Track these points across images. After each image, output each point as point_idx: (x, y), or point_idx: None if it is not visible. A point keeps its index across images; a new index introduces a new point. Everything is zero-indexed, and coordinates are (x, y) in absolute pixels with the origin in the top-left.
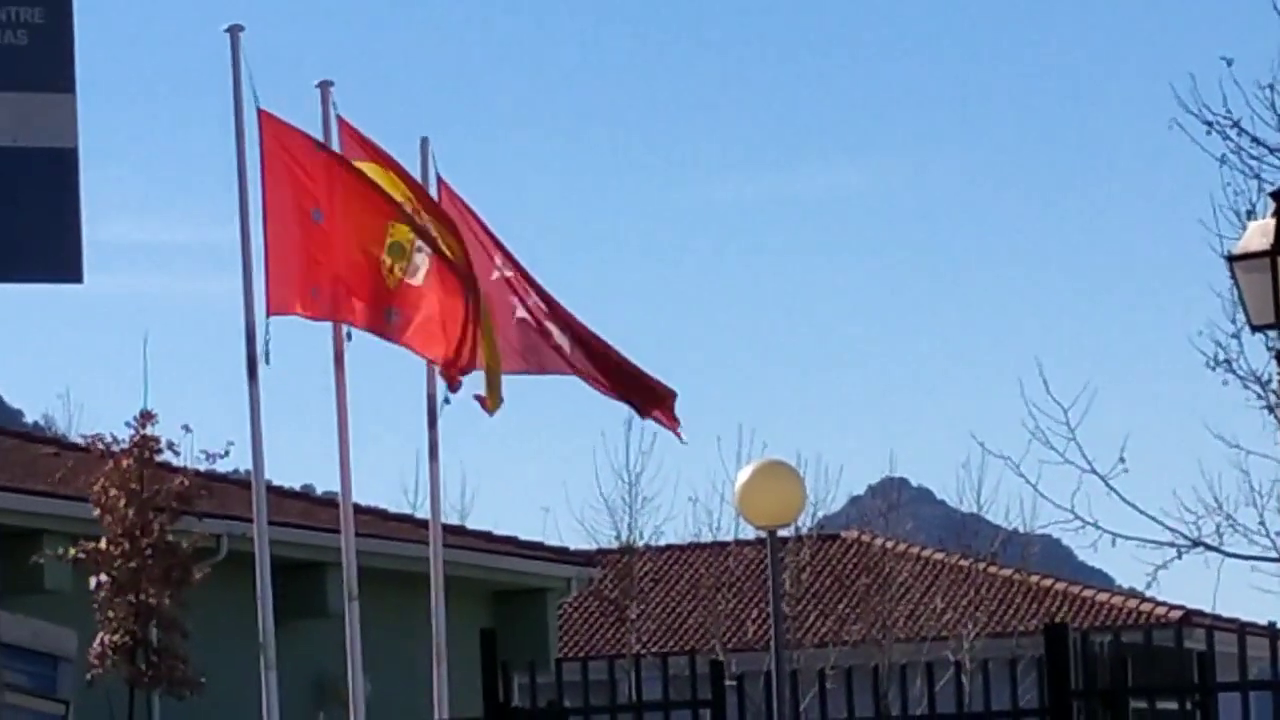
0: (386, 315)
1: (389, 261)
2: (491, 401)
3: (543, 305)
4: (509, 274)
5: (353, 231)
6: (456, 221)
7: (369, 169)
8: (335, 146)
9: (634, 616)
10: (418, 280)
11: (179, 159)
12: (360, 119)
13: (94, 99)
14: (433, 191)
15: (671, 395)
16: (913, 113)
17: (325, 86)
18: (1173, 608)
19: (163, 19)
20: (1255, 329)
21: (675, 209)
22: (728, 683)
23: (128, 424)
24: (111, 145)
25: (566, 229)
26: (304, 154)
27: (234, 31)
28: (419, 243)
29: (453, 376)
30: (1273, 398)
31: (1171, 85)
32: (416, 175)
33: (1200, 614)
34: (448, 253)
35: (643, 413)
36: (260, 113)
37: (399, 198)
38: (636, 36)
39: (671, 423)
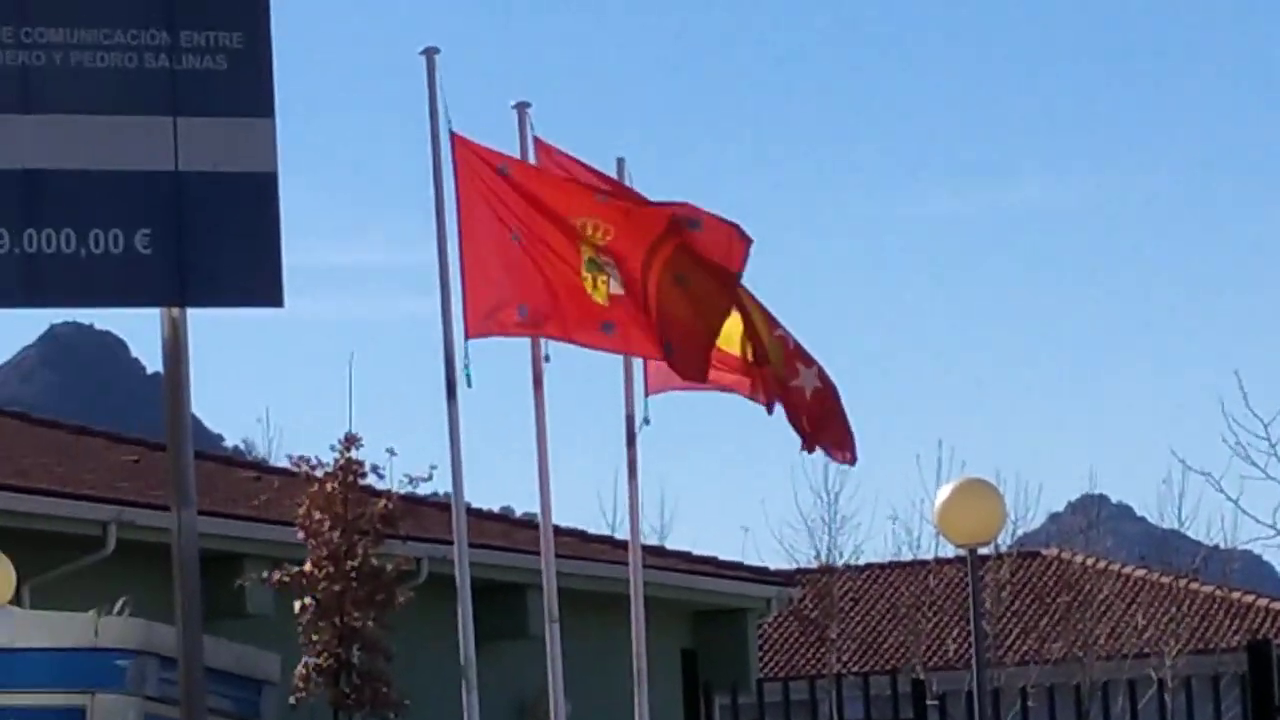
0: (603, 328)
1: (590, 278)
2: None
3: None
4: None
5: (553, 251)
6: (660, 233)
7: (564, 189)
8: (530, 161)
9: (834, 636)
10: (621, 290)
11: (379, 181)
12: (557, 140)
13: (293, 123)
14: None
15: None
16: (1119, 129)
17: (522, 108)
18: None
19: (361, 43)
20: None
21: (878, 223)
22: (930, 702)
23: (332, 447)
24: (312, 169)
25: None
26: (496, 176)
27: (429, 54)
28: (606, 258)
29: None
30: None
31: None
32: None
33: None
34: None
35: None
36: (454, 136)
37: (585, 220)
38: (838, 50)
39: (842, 454)
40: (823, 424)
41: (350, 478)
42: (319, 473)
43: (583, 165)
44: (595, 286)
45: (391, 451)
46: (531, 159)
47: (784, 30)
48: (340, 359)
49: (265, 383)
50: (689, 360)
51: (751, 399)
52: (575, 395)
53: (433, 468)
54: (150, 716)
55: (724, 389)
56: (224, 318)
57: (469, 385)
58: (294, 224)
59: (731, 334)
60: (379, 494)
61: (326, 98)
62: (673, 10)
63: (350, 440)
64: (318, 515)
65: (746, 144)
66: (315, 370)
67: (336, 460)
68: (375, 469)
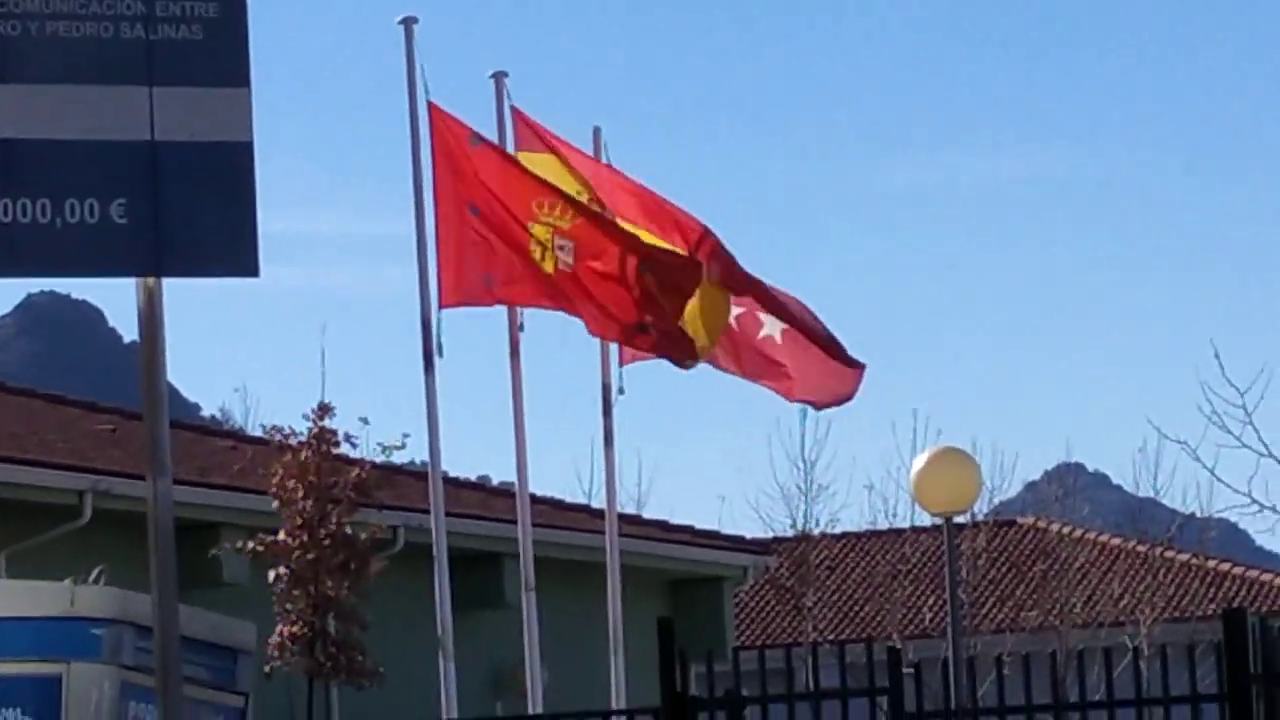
0: (553, 293)
1: (538, 250)
2: (682, 353)
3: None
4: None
5: (505, 223)
6: (644, 202)
7: (542, 160)
8: (510, 136)
9: (810, 604)
10: (567, 267)
11: (357, 151)
12: (534, 109)
13: (269, 93)
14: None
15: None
16: (1087, 99)
17: (499, 78)
18: None
19: (339, 12)
20: None
21: (855, 193)
22: (905, 670)
23: (305, 416)
24: (288, 138)
25: (741, 213)
26: (462, 147)
27: (408, 23)
28: (559, 240)
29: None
30: None
31: None
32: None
33: None
34: (626, 227)
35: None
36: (430, 105)
37: (572, 190)
38: (813, 20)
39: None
40: (805, 368)
41: (323, 446)
42: (292, 441)
43: (558, 139)
44: (543, 258)
45: (365, 420)
46: (509, 128)
47: (759, 0)
48: (318, 328)
49: (243, 352)
50: (668, 339)
51: (723, 369)
52: (551, 364)
53: (406, 436)
54: (126, 685)
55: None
56: (201, 287)
57: (441, 355)
58: (272, 194)
59: (693, 315)
60: (353, 463)
61: (305, 66)
62: None
63: (323, 409)
64: (291, 484)
65: (722, 114)
66: (293, 339)
67: (310, 429)
68: (349, 437)
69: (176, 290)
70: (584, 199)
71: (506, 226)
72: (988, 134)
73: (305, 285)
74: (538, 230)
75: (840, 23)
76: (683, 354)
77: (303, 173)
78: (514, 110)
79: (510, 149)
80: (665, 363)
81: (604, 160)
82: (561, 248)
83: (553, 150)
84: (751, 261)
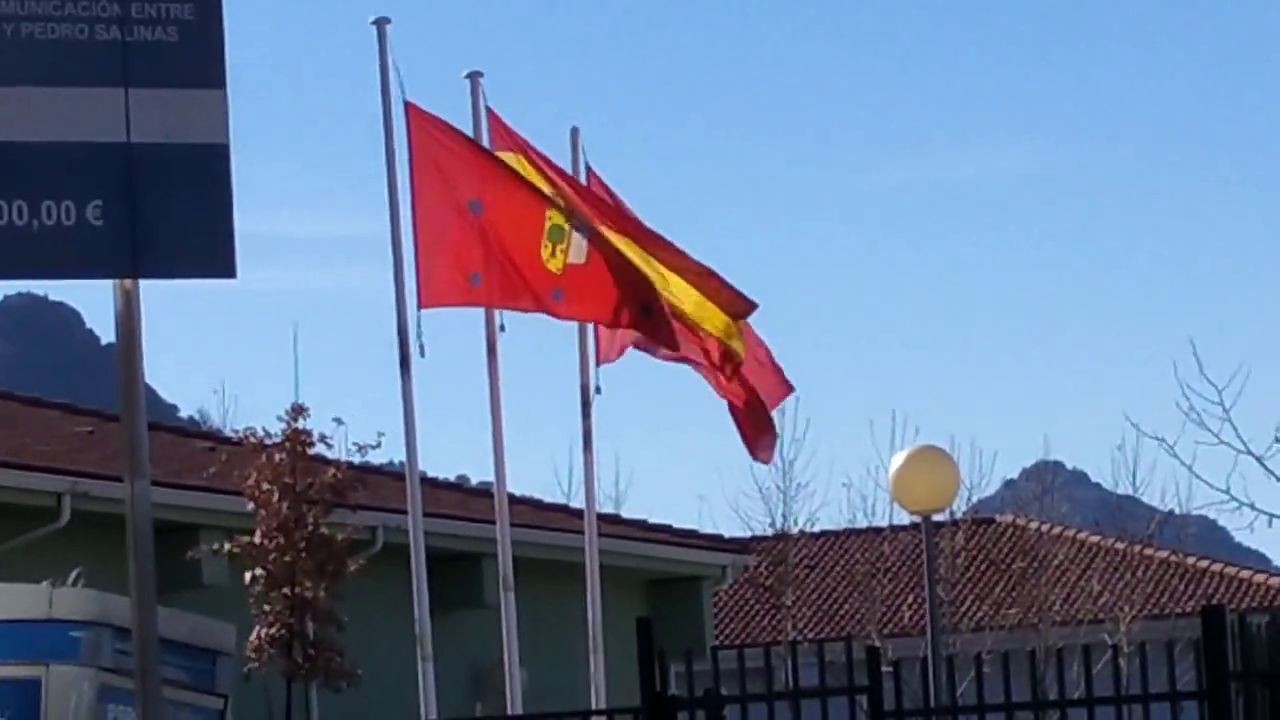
0: (553, 295)
1: (550, 246)
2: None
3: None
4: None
5: (514, 220)
6: (610, 209)
7: (513, 160)
8: (485, 137)
9: (789, 603)
10: (581, 259)
11: (333, 153)
12: (510, 109)
13: (245, 95)
14: (583, 181)
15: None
16: (1063, 97)
17: (475, 78)
18: None
19: (313, 14)
20: None
21: (832, 193)
22: (884, 669)
23: (279, 418)
24: (265, 140)
25: (715, 213)
26: (456, 145)
27: (380, 24)
28: (575, 223)
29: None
30: None
31: None
32: (566, 165)
33: None
34: (603, 231)
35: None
36: (407, 105)
37: (546, 190)
38: (792, 19)
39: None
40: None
41: (298, 448)
42: (267, 443)
43: (532, 147)
44: (553, 255)
45: (339, 420)
46: (484, 129)
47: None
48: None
49: (221, 353)
50: (661, 326)
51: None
52: (531, 364)
53: (381, 435)
54: (105, 687)
55: (684, 361)
56: (179, 288)
57: (422, 356)
58: (248, 195)
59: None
60: (329, 463)
61: (282, 68)
62: None
63: (297, 410)
64: (266, 486)
65: (700, 114)
66: (270, 340)
67: (284, 430)
68: (324, 438)
69: (154, 292)
70: (560, 203)
71: (517, 225)
72: (967, 132)
73: (282, 286)
74: (555, 215)
75: (826, 19)
76: (676, 339)
77: (279, 175)
78: (489, 112)
79: (487, 144)
80: (645, 360)
81: (583, 161)
82: (578, 227)
83: (523, 153)
84: (731, 262)
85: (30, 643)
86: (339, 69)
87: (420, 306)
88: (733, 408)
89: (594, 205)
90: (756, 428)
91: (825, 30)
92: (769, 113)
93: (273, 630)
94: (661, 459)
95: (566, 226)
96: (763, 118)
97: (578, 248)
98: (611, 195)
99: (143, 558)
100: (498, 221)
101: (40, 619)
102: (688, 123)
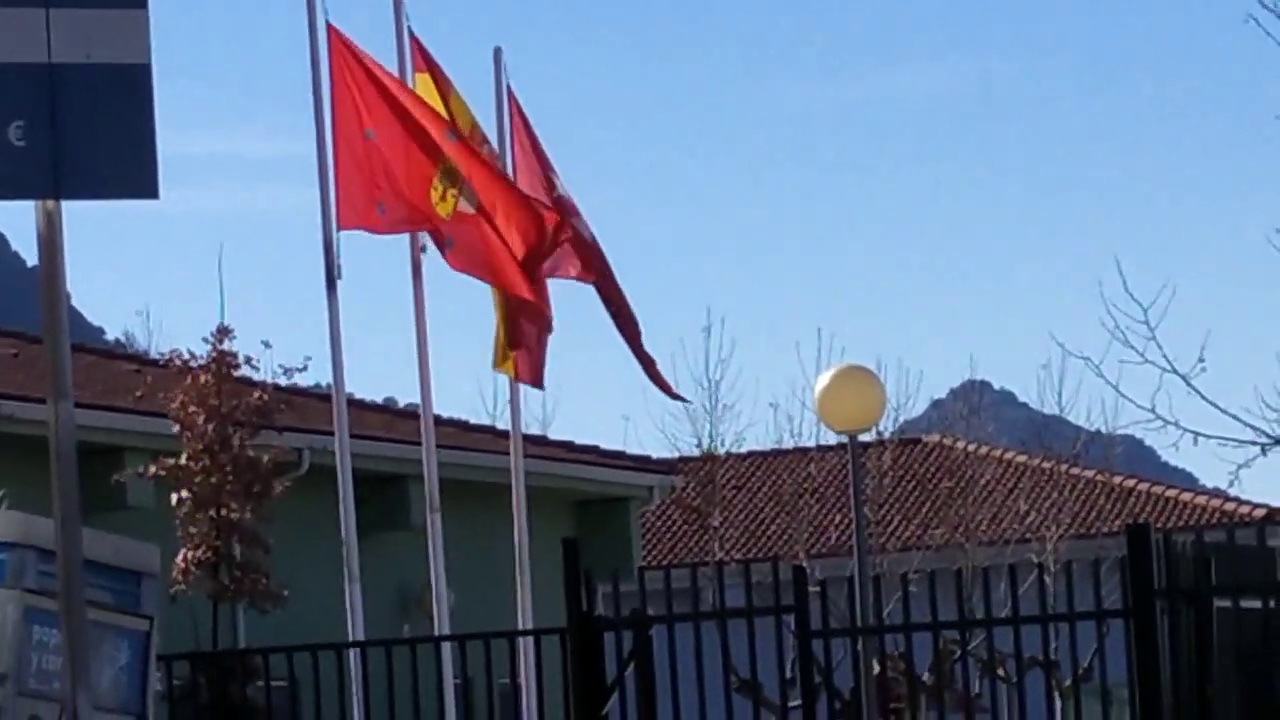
0: (446, 245)
1: (441, 189)
2: (503, 364)
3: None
4: (566, 193)
5: (407, 156)
6: (516, 149)
7: (423, 83)
8: (407, 60)
9: (716, 524)
10: (471, 208)
11: (259, 73)
12: (436, 29)
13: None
14: (504, 104)
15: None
16: (984, 16)
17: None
18: (1256, 506)
19: None
20: None
21: (761, 112)
22: (811, 589)
23: (205, 340)
24: (189, 60)
25: (649, 137)
26: (360, 72)
27: None
28: (466, 173)
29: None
30: None
31: None
32: (489, 86)
33: None
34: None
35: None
36: (329, 28)
37: (443, 122)
38: None
39: (662, 383)
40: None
41: (223, 370)
42: (193, 365)
43: (442, 71)
44: (444, 198)
45: (266, 344)
46: (407, 52)
47: None
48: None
49: (147, 276)
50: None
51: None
52: (456, 285)
53: (307, 358)
54: (29, 609)
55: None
56: (104, 210)
57: (339, 277)
58: (173, 115)
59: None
60: (255, 385)
61: None
62: None
63: (222, 332)
64: (192, 408)
65: (630, 32)
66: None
67: (209, 353)
68: (249, 360)
69: (80, 213)
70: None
71: (409, 158)
72: (890, 53)
73: (208, 207)
74: (448, 160)
75: None
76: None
77: (204, 95)
78: (413, 39)
79: (409, 71)
80: (567, 283)
81: (505, 82)
82: (463, 192)
83: (437, 82)
84: (652, 184)
85: None
86: None
87: (340, 228)
88: (636, 353)
89: (477, 149)
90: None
91: None
92: (700, 33)
93: (199, 552)
94: (587, 379)
95: (461, 171)
96: (693, 39)
97: (469, 197)
98: (522, 128)
99: (66, 480)
100: (391, 154)
101: None
102: (611, 43)
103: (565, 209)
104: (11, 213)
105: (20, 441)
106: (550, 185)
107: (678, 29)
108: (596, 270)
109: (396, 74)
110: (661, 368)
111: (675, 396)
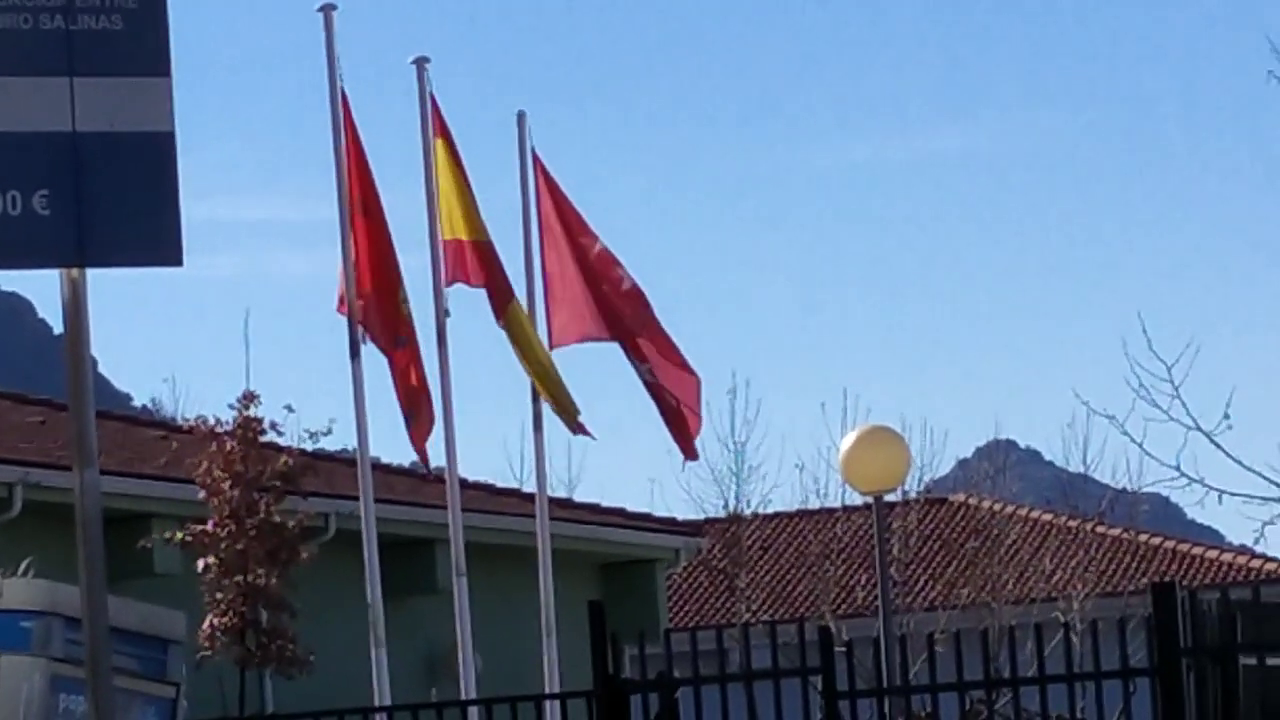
0: (395, 340)
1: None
2: (569, 420)
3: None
4: (600, 248)
5: (380, 253)
6: (544, 211)
7: (440, 148)
8: (429, 123)
9: (743, 585)
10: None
11: (283, 139)
12: (458, 94)
13: (192, 81)
14: (528, 167)
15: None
16: (1011, 74)
17: (421, 63)
18: None
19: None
20: None
21: (786, 174)
22: (837, 649)
23: (231, 405)
24: (212, 127)
25: (667, 198)
26: (354, 151)
27: (326, 11)
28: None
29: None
30: None
31: (1269, 38)
32: (513, 149)
33: None
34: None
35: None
36: (342, 95)
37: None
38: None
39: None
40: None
41: (249, 435)
42: (219, 431)
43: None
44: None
45: (289, 408)
46: (428, 115)
47: None
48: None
49: (173, 341)
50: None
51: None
52: (480, 349)
53: (332, 421)
54: (56, 677)
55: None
56: (130, 276)
57: (365, 343)
58: (195, 182)
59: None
60: (280, 450)
61: (229, 54)
62: None
63: (248, 397)
64: (218, 473)
65: (648, 98)
66: (223, 326)
67: (235, 418)
68: (274, 425)
69: (106, 281)
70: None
71: (383, 258)
72: (914, 112)
73: (232, 273)
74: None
75: (770, 4)
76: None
77: (227, 162)
78: (433, 100)
79: (430, 133)
80: (593, 346)
81: (530, 145)
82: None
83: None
84: (679, 246)
85: None
86: (286, 52)
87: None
88: (662, 411)
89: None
90: (679, 428)
91: (771, 12)
92: (717, 97)
93: (225, 618)
94: (614, 442)
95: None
96: (711, 102)
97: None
98: (550, 184)
99: (92, 547)
100: (364, 248)
101: None
102: (637, 106)
103: (606, 262)
104: (37, 280)
105: (47, 509)
106: (586, 242)
107: (706, 89)
108: (632, 323)
109: (420, 139)
110: (695, 428)
111: (691, 457)
